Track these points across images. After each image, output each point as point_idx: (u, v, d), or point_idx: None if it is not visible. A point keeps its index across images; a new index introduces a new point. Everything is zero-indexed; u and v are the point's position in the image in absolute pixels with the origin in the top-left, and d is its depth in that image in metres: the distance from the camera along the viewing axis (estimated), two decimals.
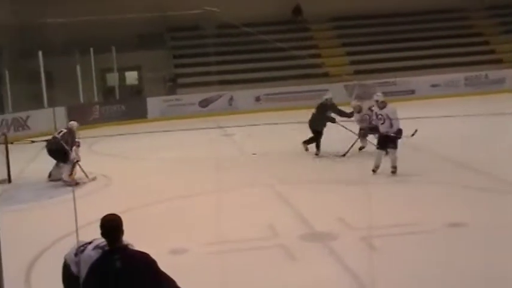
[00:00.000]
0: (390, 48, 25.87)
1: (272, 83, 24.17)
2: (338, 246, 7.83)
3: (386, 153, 11.58)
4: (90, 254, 4.65)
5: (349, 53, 26.30)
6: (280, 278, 7.00)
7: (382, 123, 11.51)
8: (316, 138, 13.88)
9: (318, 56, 25.33)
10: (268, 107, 23.19)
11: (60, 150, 12.01)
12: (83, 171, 12.20)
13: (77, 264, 4.83)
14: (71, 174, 12.03)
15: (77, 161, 12.12)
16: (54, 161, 12.44)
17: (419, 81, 24.05)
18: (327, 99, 14.27)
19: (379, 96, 12.14)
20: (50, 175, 12.51)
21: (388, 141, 11.43)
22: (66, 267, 5.10)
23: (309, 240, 8.22)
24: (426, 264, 7.02)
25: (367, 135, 13.49)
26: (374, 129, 12.21)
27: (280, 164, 13.38)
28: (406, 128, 11.69)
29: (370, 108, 13.01)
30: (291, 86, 24.02)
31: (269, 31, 23.97)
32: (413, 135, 11.76)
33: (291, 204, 10.00)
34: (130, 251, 3.93)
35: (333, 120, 13.95)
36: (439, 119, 17.67)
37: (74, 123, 12.74)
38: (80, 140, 12.47)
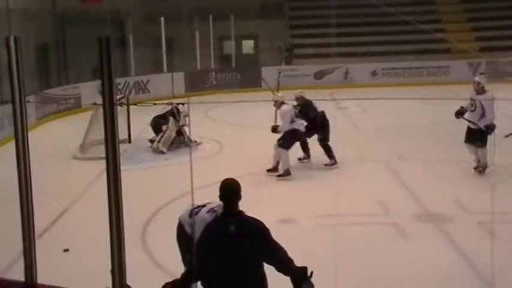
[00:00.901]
0: None
1: (389, 57, 23.43)
2: (453, 230, 7.52)
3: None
4: (205, 216, 4.74)
5: (475, 29, 24.89)
6: (390, 255, 6.83)
7: (473, 111, 10.06)
8: None
9: (442, 30, 24.19)
10: (384, 82, 22.57)
11: (159, 124, 12.67)
12: (188, 137, 12.45)
13: (191, 225, 4.94)
14: (159, 141, 12.39)
15: (182, 126, 12.50)
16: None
17: None
18: None
19: (480, 78, 10.51)
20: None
21: (474, 135, 9.95)
22: (180, 228, 5.24)
23: (422, 220, 7.94)
24: None
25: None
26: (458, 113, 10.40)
27: (395, 141, 12.99)
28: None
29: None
30: (409, 61, 23.18)
31: (393, 3, 23.20)
32: (508, 136, 9.87)
33: (405, 182, 9.70)
34: (245, 217, 3.93)
35: None
36: None
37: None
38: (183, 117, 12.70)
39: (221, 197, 3.94)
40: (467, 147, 10.12)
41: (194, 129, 12.44)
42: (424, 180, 9.76)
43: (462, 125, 13.25)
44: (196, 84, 22.00)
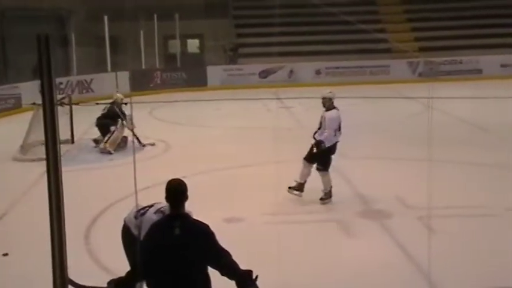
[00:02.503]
0: (458, 25, 25.02)
1: (333, 56, 23.83)
2: (394, 225, 7.72)
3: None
4: (152, 217, 4.72)
5: (414, 29, 25.58)
6: (334, 252, 6.96)
7: (319, 128, 8.81)
8: None
9: (382, 30, 24.75)
10: (328, 81, 22.91)
11: (106, 125, 12.39)
12: (137, 138, 12.31)
13: (137, 226, 4.91)
14: (106, 141, 12.24)
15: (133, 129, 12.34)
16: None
17: (488, 60, 23.20)
18: None
19: (328, 94, 8.86)
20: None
21: (315, 156, 8.69)
22: (125, 230, 5.20)
23: (365, 217, 8.12)
24: (484, 249, 6.83)
25: None
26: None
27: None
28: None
29: None
30: (352, 60, 23.63)
31: (334, 3, 23.57)
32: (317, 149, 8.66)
33: (348, 179, 9.88)
34: (190, 220, 3.94)
35: None
36: (507, 100, 17.02)
37: (118, 96, 12.90)
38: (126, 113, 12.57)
39: (167, 198, 3.93)
40: (302, 165, 8.76)
41: (140, 129, 12.34)
42: (366, 178, 9.98)
43: (404, 123, 13.68)
44: (141, 83, 21.80)
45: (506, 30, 24.59)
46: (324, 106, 8.79)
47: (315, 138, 8.76)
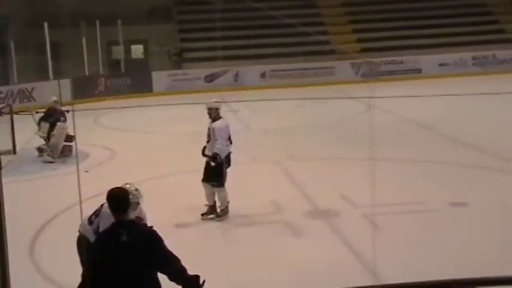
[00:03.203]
0: (398, 26, 25.63)
1: (278, 59, 24.04)
2: (340, 224, 7.87)
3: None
4: (108, 210, 4.65)
5: (356, 31, 26.08)
6: (284, 252, 7.04)
7: (208, 141, 8.42)
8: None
9: (325, 32, 25.13)
10: (273, 84, 23.13)
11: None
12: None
13: (95, 231, 4.87)
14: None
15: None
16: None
17: (427, 60, 23.85)
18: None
19: (212, 103, 8.52)
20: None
21: (211, 173, 8.19)
22: (81, 239, 5.13)
23: (312, 217, 8.24)
24: (427, 243, 7.04)
25: None
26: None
27: (285, 141, 13.36)
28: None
29: None
30: (297, 62, 23.89)
31: (277, 7, 23.77)
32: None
33: (296, 180, 10.01)
34: (137, 226, 3.94)
35: None
36: (446, 98, 17.55)
37: (52, 99, 12.70)
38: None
39: (110, 207, 3.92)
40: (203, 188, 8.30)
41: (84, 137, 12.16)
42: (313, 178, 10.12)
43: (349, 123, 13.93)
44: (85, 90, 21.41)
45: (443, 30, 25.34)
46: (211, 117, 8.31)
47: (206, 155, 8.28)
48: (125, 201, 3.90)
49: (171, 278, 3.92)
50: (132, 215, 4.26)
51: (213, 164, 8.12)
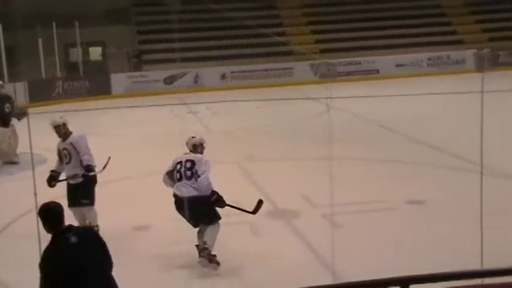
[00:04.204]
0: (357, 27, 25.99)
1: (238, 60, 24.11)
2: (300, 224, 7.95)
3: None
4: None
5: (315, 32, 26.34)
6: (244, 253, 7.07)
7: (68, 163, 7.69)
8: None
9: (284, 34, 25.31)
10: (234, 85, 23.20)
11: None
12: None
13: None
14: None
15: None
16: None
17: (384, 60, 24.26)
18: None
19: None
20: None
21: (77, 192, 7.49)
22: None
23: (273, 217, 8.30)
24: (385, 241, 7.18)
25: None
26: None
27: (245, 142, 13.42)
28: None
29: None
30: (256, 63, 24.01)
31: (235, 8, 23.87)
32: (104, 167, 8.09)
33: (256, 181, 10.06)
34: (80, 227, 3.99)
35: None
36: (403, 98, 17.90)
37: None
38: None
39: (47, 220, 3.89)
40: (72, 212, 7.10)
41: (40, 142, 11.95)
42: (274, 179, 10.19)
43: (308, 123, 14.03)
44: (42, 93, 21.07)
45: (400, 31, 25.81)
46: (60, 135, 7.72)
47: (55, 179, 7.54)
48: (57, 214, 3.92)
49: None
50: None
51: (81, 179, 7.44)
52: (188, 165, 6.84)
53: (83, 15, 22.91)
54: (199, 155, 7.04)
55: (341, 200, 8.25)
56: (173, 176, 6.87)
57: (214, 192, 6.70)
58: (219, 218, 6.81)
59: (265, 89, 21.74)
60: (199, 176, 6.67)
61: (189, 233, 7.19)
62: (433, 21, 26.66)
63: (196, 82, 23.56)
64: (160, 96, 21.44)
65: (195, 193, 6.62)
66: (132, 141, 14.20)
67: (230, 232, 7.78)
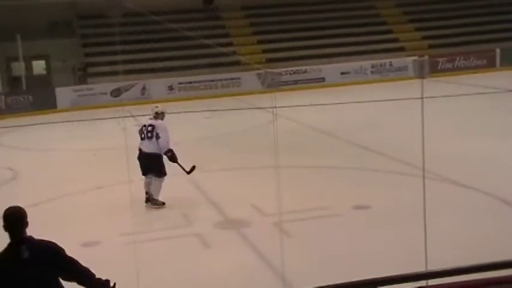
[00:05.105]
0: (301, 36, 26.33)
1: (185, 71, 24.07)
2: (251, 233, 8.01)
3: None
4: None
5: (260, 42, 26.56)
6: (195, 266, 7.08)
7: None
8: None
9: (230, 44, 25.43)
10: (181, 96, 23.13)
11: None
12: None
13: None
14: None
15: None
16: None
17: (330, 69, 24.67)
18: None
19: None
20: None
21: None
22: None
23: (223, 228, 8.34)
24: (337, 248, 7.31)
25: None
26: None
27: (195, 153, 13.39)
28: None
29: None
30: (203, 74, 24.03)
31: (180, 19, 23.88)
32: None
33: (205, 192, 10.08)
34: (36, 241, 3.92)
35: None
36: (348, 105, 18.24)
37: None
38: None
39: (5, 227, 3.85)
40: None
41: None
42: (223, 189, 10.24)
43: (256, 132, 14.12)
44: None
45: (344, 40, 26.29)
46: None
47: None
48: (19, 220, 3.86)
49: (81, 282, 4.01)
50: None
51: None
52: (149, 128, 9.24)
53: (26, 28, 22.46)
54: (159, 121, 9.33)
55: (290, 207, 8.38)
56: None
57: (169, 150, 9.19)
58: (165, 174, 9.26)
59: (214, 100, 21.78)
60: (158, 138, 9.07)
61: (139, 246, 7.17)
62: (375, 29, 27.30)
63: (143, 94, 23.39)
64: (107, 109, 21.18)
65: (151, 150, 9.11)
66: (78, 155, 14.00)
67: (179, 244, 7.79)
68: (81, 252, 7.57)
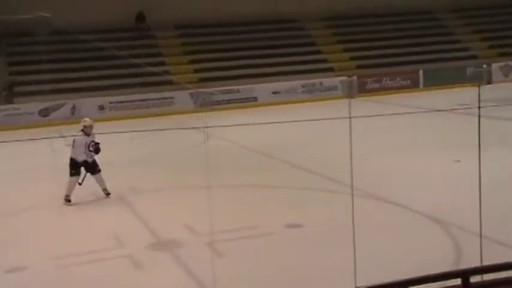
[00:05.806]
0: (233, 56, 26.54)
1: (117, 91, 23.75)
2: (184, 254, 7.97)
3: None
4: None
5: (193, 61, 26.59)
6: (127, 287, 6.98)
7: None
8: None
9: (163, 63, 25.32)
10: (113, 115, 22.77)
11: None
12: None
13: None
14: None
15: None
16: None
17: (261, 88, 24.94)
18: None
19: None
20: None
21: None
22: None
23: (156, 249, 8.26)
24: (267, 265, 7.37)
25: None
26: None
27: (127, 173, 13.24)
28: None
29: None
30: (136, 94, 23.79)
31: (111, 38, 23.62)
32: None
33: (138, 213, 9.97)
34: None
35: None
36: (279, 124, 18.44)
37: None
38: None
39: None
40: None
41: None
42: (156, 210, 10.16)
43: (188, 152, 14.09)
44: None
45: (276, 60, 26.67)
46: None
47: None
48: None
49: None
50: None
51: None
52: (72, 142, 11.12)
53: None
54: (77, 137, 11.08)
55: (223, 227, 8.40)
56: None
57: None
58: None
59: (146, 119, 21.57)
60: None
61: (68, 270, 7.01)
62: (306, 50, 27.83)
63: (73, 114, 22.87)
64: (35, 129, 20.61)
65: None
66: (4, 176, 13.55)
67: (111, 267, 7.66)
68: (6, 278, 7.34)
